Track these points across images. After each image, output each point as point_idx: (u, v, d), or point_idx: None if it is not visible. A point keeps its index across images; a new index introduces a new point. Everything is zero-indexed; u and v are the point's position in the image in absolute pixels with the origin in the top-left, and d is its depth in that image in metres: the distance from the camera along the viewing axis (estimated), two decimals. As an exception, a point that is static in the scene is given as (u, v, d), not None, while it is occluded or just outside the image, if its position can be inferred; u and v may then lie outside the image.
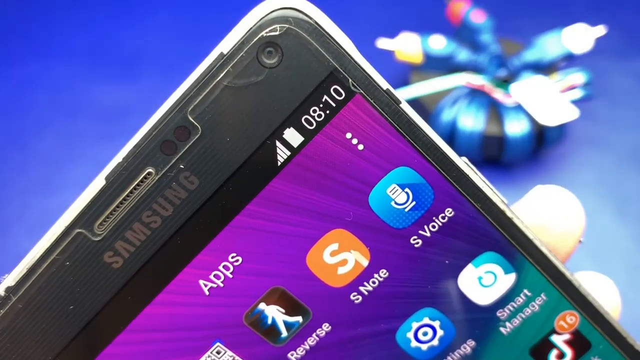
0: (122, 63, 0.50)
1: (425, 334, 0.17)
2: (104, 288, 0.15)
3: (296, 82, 0.14)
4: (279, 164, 0.15)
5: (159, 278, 0.15)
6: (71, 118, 0.46)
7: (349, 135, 0.15)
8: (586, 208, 0.18)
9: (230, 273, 0.15)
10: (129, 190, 0.14)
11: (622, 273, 0.37)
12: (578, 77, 0.41)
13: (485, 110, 0.40)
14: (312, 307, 0.16)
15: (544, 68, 0.42)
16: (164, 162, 0.14)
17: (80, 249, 0.14)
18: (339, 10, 0.52)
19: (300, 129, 0.14)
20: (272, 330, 0.16)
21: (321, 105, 0.14)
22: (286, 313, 0.16)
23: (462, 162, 0.16)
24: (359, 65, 0.14)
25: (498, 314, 0.17)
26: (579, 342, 0.18)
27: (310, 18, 0.14)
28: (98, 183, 0.14)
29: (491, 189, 0.16)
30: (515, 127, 0.40)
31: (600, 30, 0.41)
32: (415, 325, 0.17)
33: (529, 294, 0.17)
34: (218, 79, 0.14)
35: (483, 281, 0.17)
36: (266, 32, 0.14)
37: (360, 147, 0.15)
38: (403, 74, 0.45)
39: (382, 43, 0.42)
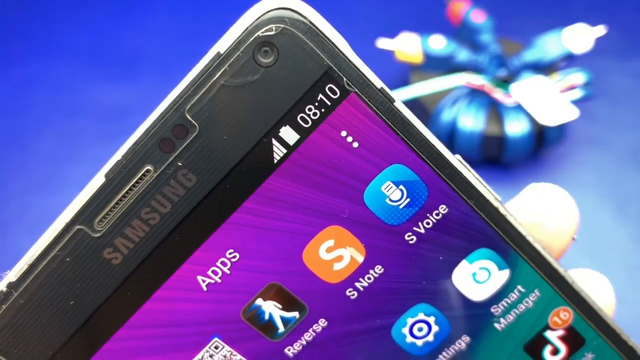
0: (122, 63, 0.50)
1: (420, 329, 0.17)
2: (104, 284, 0.15)
3: (292, 81, 0.14)
4: (275, 161, 0.15)
5: (157, 274, 0.15)
6: (71, 118, 0.46)
7: (344, 133, 0.15)
8: (586, 208, 0.18)
9: (228, 269, 0.16)
10: (128, 188, 0.15)
11: (622, 273, 0.37)
12: (578, 77, 0.41)
13: (485, 110, 0.40)
14: (308, 303, 0.16)
15: (544, 68, 0.42)
16: (162, 159, 0.14)
17: (80, 246, 0.15)
18: (339, 10, 0.53)
19: (296, 127, 0.15)
20: (269, 325, 0.16)
21: (316, 104, 0.14)
22: (283, 308, 0.16)
23: (456, 160, 0.16)
24: (354, 65, 0.14)
25: (492, 310, 0.17)
26: (572, 338, 0.18)
27: (305, 18, 0.14)
28: (98, 180, 0.14)
29: (484, 186, 0.16)
30: (515, 127, 0.40)
31: (600, 30, 0.41)
32: (410, 320, 0.17)
33: (522, 290, 0.17)
34: (215, 78, 0.14)
35: (477, 277, 0.17)
36: (262, 32, 0.14)
37: (355, 144, 0.15)
38: (403, 74, 0.45)
39: (382, 43, 0.42)
